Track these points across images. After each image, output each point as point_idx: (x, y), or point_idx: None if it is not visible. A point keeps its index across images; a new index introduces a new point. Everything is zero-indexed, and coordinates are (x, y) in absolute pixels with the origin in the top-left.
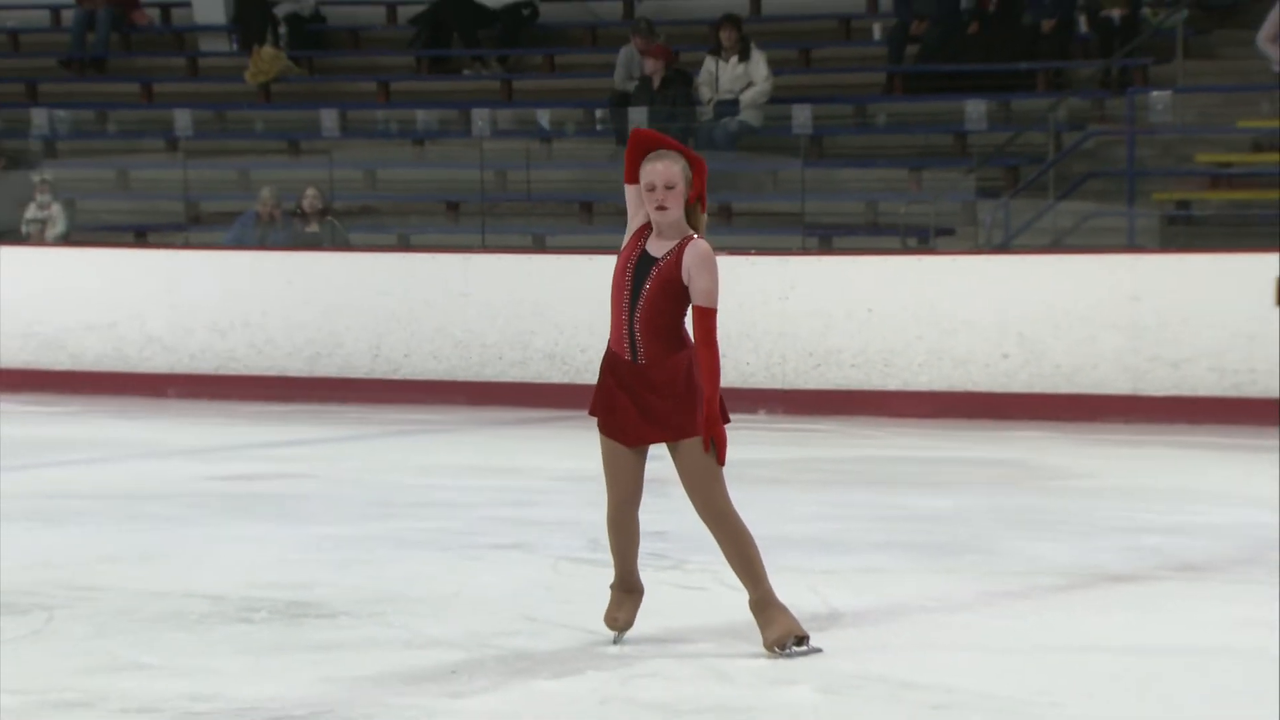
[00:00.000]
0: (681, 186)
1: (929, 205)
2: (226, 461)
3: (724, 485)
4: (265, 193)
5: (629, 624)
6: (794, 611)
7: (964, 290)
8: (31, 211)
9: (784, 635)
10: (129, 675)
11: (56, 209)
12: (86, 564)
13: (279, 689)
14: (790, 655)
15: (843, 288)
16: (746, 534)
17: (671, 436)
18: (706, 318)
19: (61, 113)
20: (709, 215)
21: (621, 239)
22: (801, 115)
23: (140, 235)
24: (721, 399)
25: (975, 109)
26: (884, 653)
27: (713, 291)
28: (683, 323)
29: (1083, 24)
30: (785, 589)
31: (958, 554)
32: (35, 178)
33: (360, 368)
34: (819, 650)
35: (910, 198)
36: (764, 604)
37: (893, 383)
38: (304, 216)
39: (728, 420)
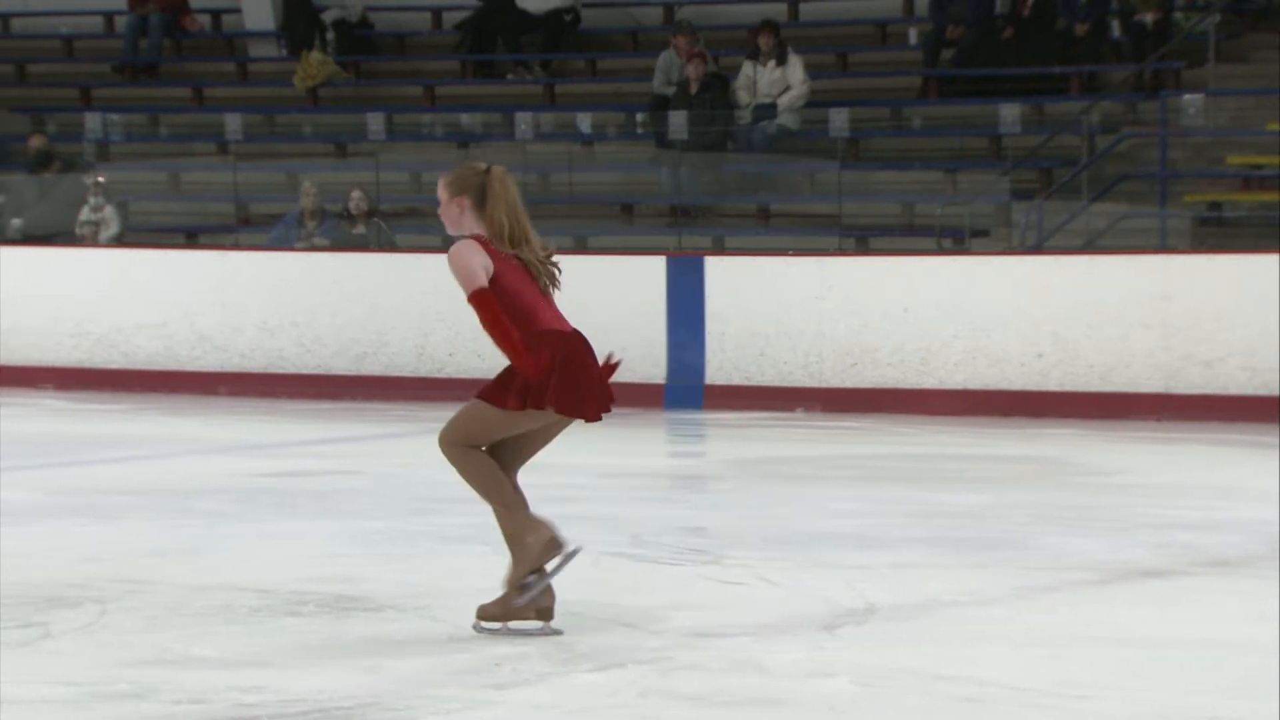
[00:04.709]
0: (445, 198)
1: (964, 207)
2: (275, 458)
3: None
4: (307, 184)
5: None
6: (831, 606)
7: (998, 290)
8: (85, 214)
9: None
10: (179, 668)
11: (110, 211)
12: (138, 558)
13: (326, 681)
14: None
15: (879, 288)
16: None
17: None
18: (473, 304)
19: (114, 117)
20: (747, 217)
21: (660, 240)
22: (838, 118)
23: (191, 237)
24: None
25: (1010, 112)
26: (919, 646)
27: (460, 281)
28: (508, 319)
29: (1116, 28)
30: (824, 584)
31: (991, 549)
32: (89, 180)
33: (405, 366)
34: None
35: (945, 199)
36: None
37: (929, 381)
38: (350, 218)
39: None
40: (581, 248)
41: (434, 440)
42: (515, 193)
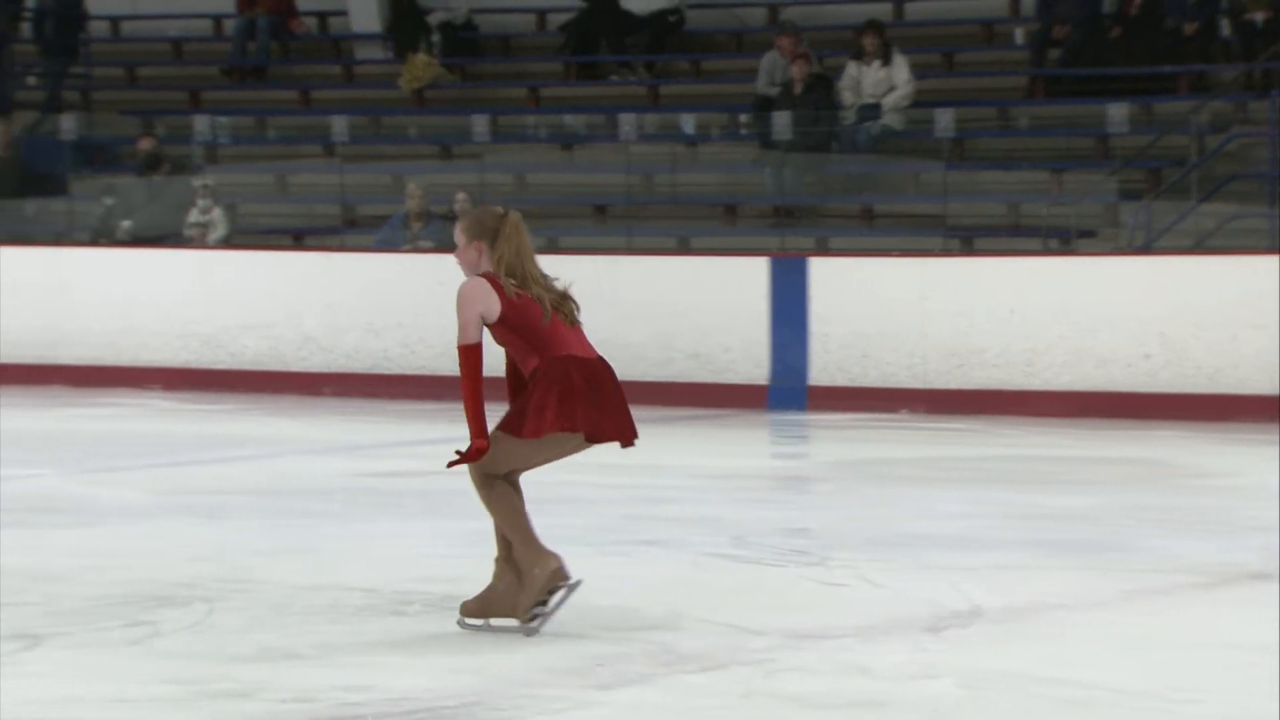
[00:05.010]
0: (462, 242)
1: (1071, 207)
2: (380, 458)
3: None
4: (412, 186)
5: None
6: (935, 608)
7: (1105, 291)
8: (194, 215)
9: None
10: (286, 666)
11: (217, 213)
12: (245, 558)
13: (431, 681)
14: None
15: (984, 289)
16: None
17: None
18: (459, 354)
19: (223, 119)
20: (851, 218)
21: (763, 241)
22: (944, 118)
23: (298, 238)
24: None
25: (1117, 112)
26: (1024, 648)
27: (458, 324)
28: (528, 348)
29: (1225, 27)
30: (928, 585)
31: (1098, 552)
32: (197, 183)
33: None
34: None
35: (1052, 200)
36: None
37: (1034, 382)
38: (455, 220)
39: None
40: (684, 249)
41: None
42: (527, 238)
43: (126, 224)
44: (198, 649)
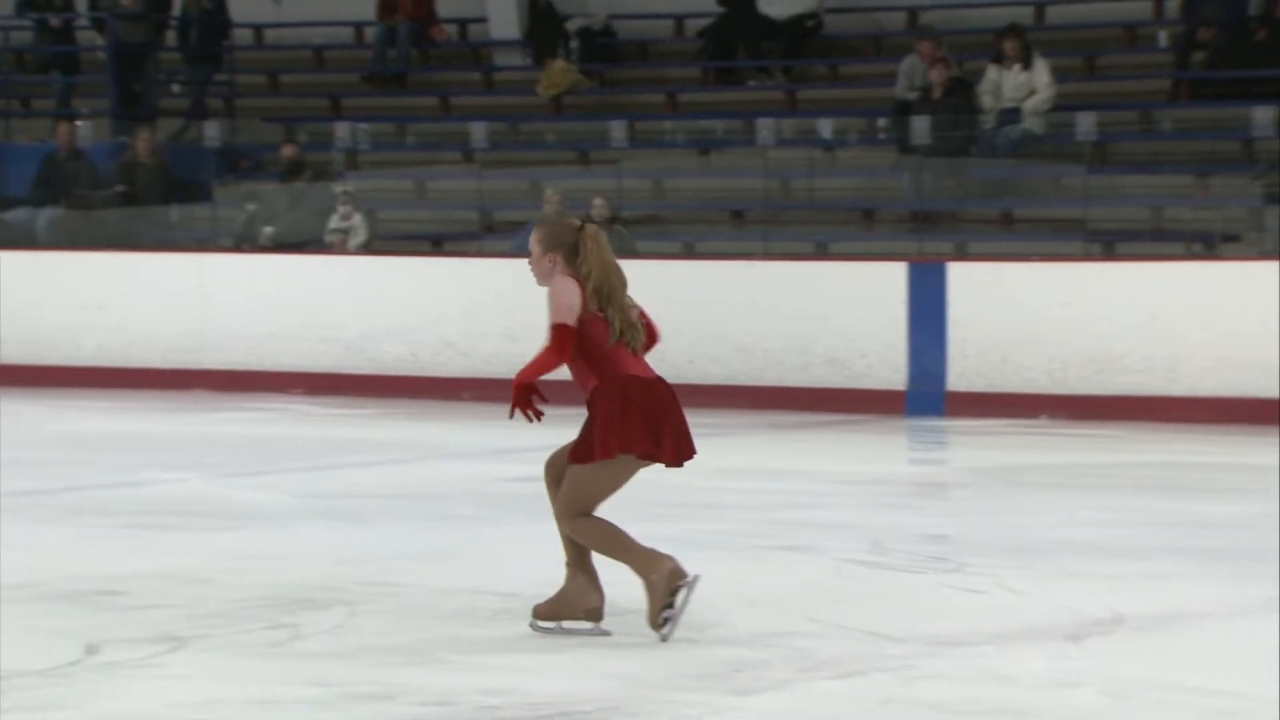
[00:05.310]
0: (537, 252)
1: (1215, 211)
2: (519, 463)
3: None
4: (550, 192)
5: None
6: (1075, 616)
7: (1250, 296)
8: (334, 221)
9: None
10: (426, 670)
11: (358, 219)
12: (385, 561)
13: (570, 685)
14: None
15: (1126, 294)
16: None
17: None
18: (550, 331)
19: (363, 126)
20: (990, 223)
21: (901, 245)
22: (1085, 122)
23: (436, 244)
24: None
25: (1263, 115)
26: (1167, 657)
27: (551, 307)
28: (588, 367)
29: None
30: (1069, 593)
31: (1242, 560)
32: (338, 189)
33: None
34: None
35: (1195, 204)
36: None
37: (1176, 388)
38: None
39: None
40: (822, 254)
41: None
42: (609, 251)
43: (268, 230)
44: (338, 652)
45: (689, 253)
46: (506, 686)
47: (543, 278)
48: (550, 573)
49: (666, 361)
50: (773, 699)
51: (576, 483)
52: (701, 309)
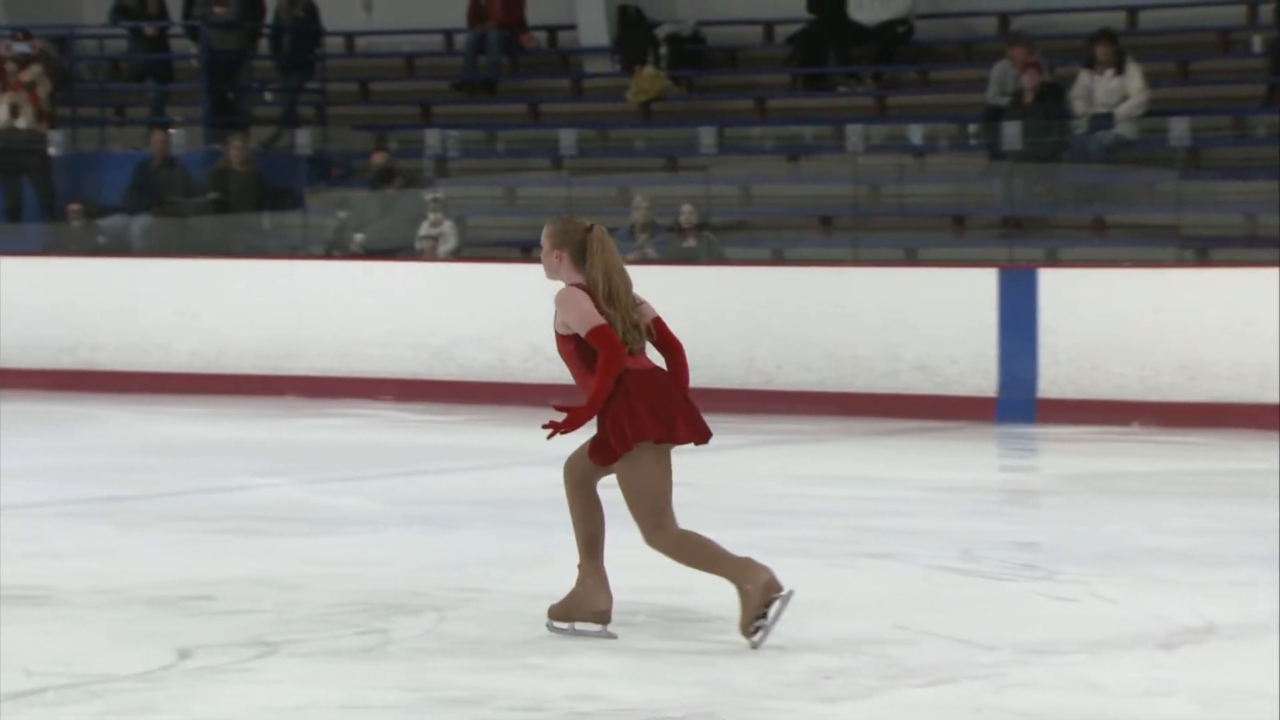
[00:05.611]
0: (546, 247)
1: None
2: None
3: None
4: (638, 199)
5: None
6: (1167, 624)
7: None
8: (424, 228)
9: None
10: (515, 675)
11: (448, 226)
12: (474, 567)
13: (658, 691)
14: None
15: (1219, 300)
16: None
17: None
18: (592, 341)
19: (453, 133)
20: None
21: (991, 252)
22: (1178, 127)
23: (526, 251)
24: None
25: None
26: (1262, 666)
27: (574, 321)
28: (589, 369)
29: None
30: (1160, 601)
31: None
32: (428, 196)
33: (733, 379)
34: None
35: None
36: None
37: (1269, 396)
38: (681, 231)
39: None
40: (912, 260)
41: (766, 455)
42: (614, 253)
43: (359, 237)
44: (428, 657)
45: (778, 259)
46: (594, 692)
47: (550, 272)
48: (637, 578)
49: (754, 368)
50: (861, 707)
51: (628, 494)
52: (790, 316)
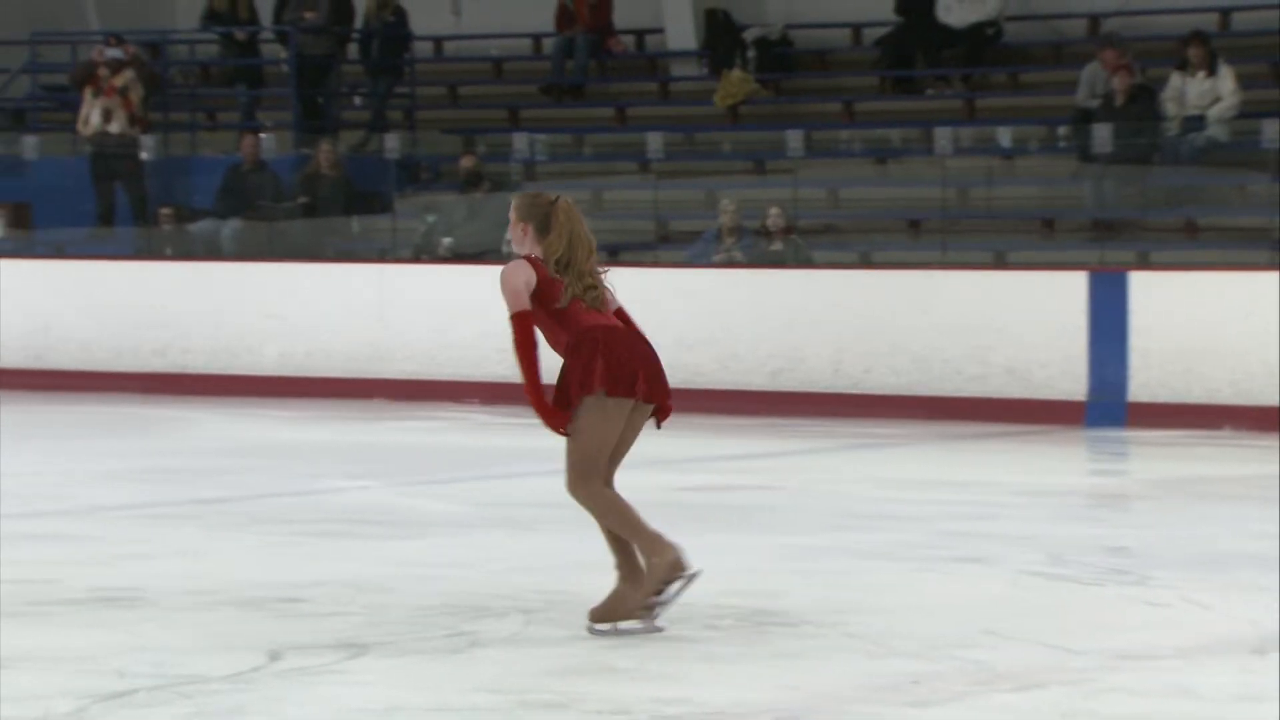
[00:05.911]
0: (512, 219)
1: None
2: (693, 473)
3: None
4: (725, 201)
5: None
6: (1260, 630)
7: None
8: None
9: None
10: (602, 678)
11: None
12: (560, 570)
13: (745, 695)
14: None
15: None
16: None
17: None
18: (511, 323)
19: (541, 137)
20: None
21: (1081, 255)
22: (1271, 130)
23: (612, 254)
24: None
25: None
26: None
27: (506, 303)
28: (558, 327)
29: None
30: (1254, 606)
31: None
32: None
33: (821, 382)
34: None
35: None
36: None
37: None
38: (768, 235)
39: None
40: (1001, 263)
41: (854, 458)
42: (581, 223)
43: (448, 241)
44: (516, 660)
45: (865, 263)
46: (681, 696)
47: (516, 245)
48: (724, 582)
49: (841, 372)
50: (950, 711)
51: (569, 439)
52: (878, 319)
